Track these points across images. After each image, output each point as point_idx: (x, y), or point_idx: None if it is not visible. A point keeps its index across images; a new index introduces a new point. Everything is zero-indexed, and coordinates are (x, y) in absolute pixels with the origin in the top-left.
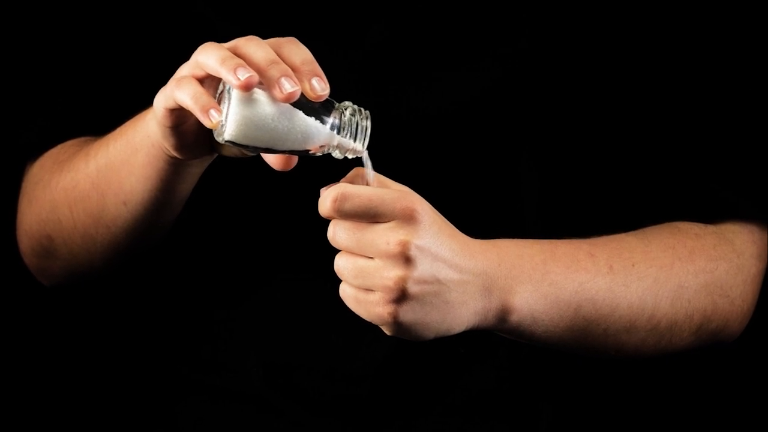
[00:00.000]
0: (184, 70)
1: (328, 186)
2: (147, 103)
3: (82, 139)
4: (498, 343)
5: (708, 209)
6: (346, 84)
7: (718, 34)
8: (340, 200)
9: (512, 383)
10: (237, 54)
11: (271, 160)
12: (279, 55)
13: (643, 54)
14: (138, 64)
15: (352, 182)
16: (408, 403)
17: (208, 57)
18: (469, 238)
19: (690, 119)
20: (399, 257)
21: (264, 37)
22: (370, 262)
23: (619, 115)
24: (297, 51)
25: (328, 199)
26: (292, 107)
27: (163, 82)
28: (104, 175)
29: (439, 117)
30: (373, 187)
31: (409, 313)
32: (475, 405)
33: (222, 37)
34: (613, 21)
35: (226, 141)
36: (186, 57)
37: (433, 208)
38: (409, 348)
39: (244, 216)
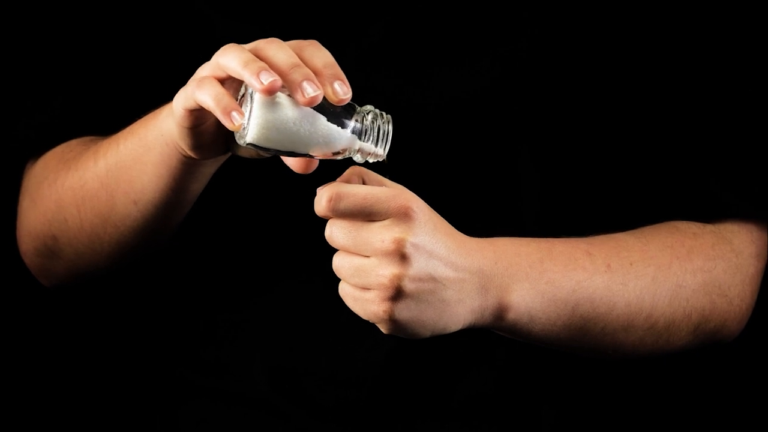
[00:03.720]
0: (205, 70)
1: (324, 185)
2: (148, 101)
3: (87, 138)
4: (496, 342)
5: (706, 209)
6: None
7: (717, 34)
8: (335, 199)
9: (512, 386)
10: (258, 56)
11: (291, 162)
12: (300, 58)
13: (643, 54)
14: (138, 62)
15: (347, 181)
16: (409, 406)
17: (229, 59)
18: (465, 236)
19: (689, 119)
20: (394, 255)
21: (262, 35)
22: (366, 261)
23: (619, 114)
24: (318, 54)
25: (323, 198)
26: (313, 111)
27: (162, 80)
28: (114, 173)
29: (438, 115)
30: (368, 186)
31: (404, 311)
32: (476, 407)
33: (221, 35)
34: (613, 21)
35: (248, 144)
36: (185, 55)
37: (428, 206)
38: (410, 351)
39: (249, 220)
